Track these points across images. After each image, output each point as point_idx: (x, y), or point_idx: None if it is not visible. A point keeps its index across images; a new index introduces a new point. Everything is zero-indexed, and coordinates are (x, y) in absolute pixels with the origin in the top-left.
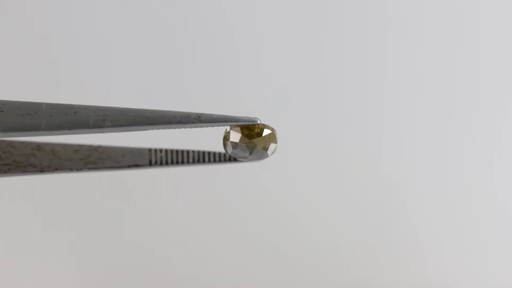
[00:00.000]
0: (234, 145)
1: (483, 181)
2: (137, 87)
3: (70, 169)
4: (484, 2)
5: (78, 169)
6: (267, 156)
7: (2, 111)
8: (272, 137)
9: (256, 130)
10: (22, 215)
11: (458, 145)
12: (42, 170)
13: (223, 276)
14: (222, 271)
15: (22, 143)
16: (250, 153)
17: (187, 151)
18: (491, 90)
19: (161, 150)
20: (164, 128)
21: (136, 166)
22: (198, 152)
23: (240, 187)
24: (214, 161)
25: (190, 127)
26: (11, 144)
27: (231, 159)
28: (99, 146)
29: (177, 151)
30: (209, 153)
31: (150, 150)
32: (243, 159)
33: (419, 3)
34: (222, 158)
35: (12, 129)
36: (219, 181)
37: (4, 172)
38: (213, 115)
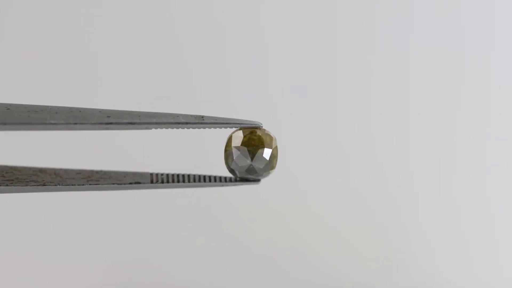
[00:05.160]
0: (236, 150)
1: (478, 182)
2: (139, 92)
3: (72, 184)
4: None
5: (80, 185)
6: (267, 165)
7: (8, 109)
8: (275, 148)
9: (258, 134)
10: (23, 216)
11: (452, 146)
12: (44, 184)
13: (220, 278)
14: (219, 273)
15: (24, 167)
16: (252, 159)
17: (188, 175)
18: (486, 91)
19: (162, 174)
20: (167, 128)
21: (138, 183)
22: (199, 176)
23: (235, 191)
24: (215, 181)
25: (193, 128)
26: (14, 168)
27: (231, 179)
28: (101, 170)
29: (177, 174)
30: (209, 176)
31: (151, 174)
32: (245, 170)
33: None
34: (223, 180)
35: (18, 122)
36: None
37: (7, 185)
38: (216, 117)
